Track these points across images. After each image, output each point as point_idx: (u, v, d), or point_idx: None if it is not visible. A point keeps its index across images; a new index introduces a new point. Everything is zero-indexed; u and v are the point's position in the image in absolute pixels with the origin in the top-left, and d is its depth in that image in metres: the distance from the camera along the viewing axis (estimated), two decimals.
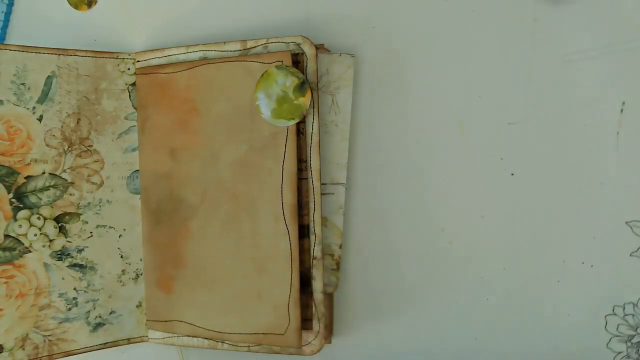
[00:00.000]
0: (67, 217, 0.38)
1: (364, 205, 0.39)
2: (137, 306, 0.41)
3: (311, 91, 0.36)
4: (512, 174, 0.38)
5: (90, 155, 0.39)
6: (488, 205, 0.38)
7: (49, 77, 0.38)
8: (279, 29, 0.40)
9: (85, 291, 0.39)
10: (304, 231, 0.36)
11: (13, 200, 0.37)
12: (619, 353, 0.37)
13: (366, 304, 0.40)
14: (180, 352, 0.42)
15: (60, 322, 0.38)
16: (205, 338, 0.39)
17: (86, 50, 0.39)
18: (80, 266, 0.39)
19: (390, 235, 0.39)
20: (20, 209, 0.37)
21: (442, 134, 0.38)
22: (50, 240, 0.38)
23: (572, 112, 0.37)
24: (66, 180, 0.38)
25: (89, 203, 0.39)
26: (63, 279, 0.38)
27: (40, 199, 0.37)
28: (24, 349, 0.37)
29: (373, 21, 0.39)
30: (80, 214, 0.39)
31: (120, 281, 0.40)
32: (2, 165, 0.36)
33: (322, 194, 0.37)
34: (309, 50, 0.36)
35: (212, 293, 0.38)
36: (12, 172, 0.37)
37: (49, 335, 0.38)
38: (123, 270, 0.40)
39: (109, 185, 0.40)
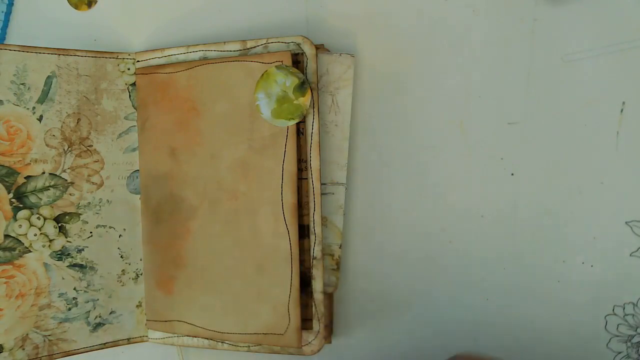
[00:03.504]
0: (67, 217, 0.38)
1: (364, 205, 0.39)
2: (137, 306, 0.41)
3: (311, 91, 0.36)
4: (512, 174, 0.38)
5: (90, 155, 0.39)
6: (488, 205, 0.38)
7: (49, 77, 0.38)
8: (279, 29, 0.40)
9: (85, 291, 0.39)
10: (304, 231, 0.36)
11: (13, 200, 0.37)
12: (619, 353, 0.37)
13: (366, 304, 0.40)
14: (180, 352, 0.42)
15: (60, 322, 0.38)
16: (205, 338, 0.39)
17: (86, 50, 0.39)
18: (80, 266, 0.39)
19: (390, 235, 0.39)
20: (20, 209, 0.37)
21: (442, 134, 0.38)
22: (50, 240, 0.38)
23: (572, 112, 0.37)
24: (66, 180, 0.38)
25: (89, 203, 0.39)
26: (63, 279, 0.38)
27: (40, 199, 0.37)
28: (24, 349, 0.37)
29: (373, 21, 0.39)
30: (80, 214, 0.39)
31: (120, 281, 0.40)
32: (2, 165, 0.36)
33: (322, 194, 0.37)
34: (309, 50, 0.36)
35: (212, 293, 0.38)
36: (12, 172, 0.37)
37: (49, 335, 0.38)
38: (123, 270, 0.40)
39: (109, 185, 0.40)
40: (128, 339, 0.41)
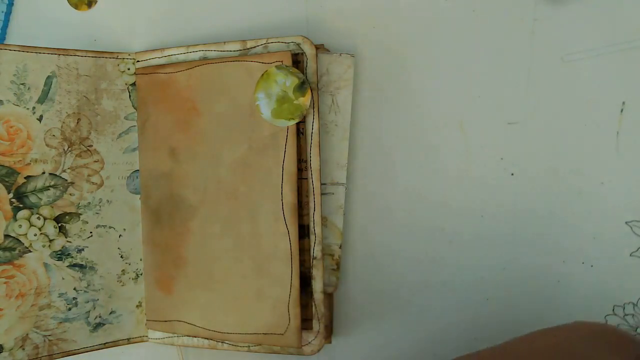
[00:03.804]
0: (67, 217, 0.38)
1: (364, 205, 0.39)
2: (137, 306, 0.41)
3: (311, 91, 0.36)
4: (512, 174, 0.38)
5: (90, 155, 0.39)
6: (488, 205, 0.38)
7: (49, 77, 0.38)
8: (279, 29, 0.40)
9: (85, 291, 0.39)
10: (304, 231, 0.36)
11: (13, 200, 0.37)
12: None
13: (366, 304, 0.40)
14: (179, 352, 0.42)
15: (60, 322, 0.38)
16: (205, 338, 0.39)
17: (86, 50, 0.39)
18: (80, 266, 0.39)
19: (390, 235, 0.39)
20: (20, 209, 0.37)
21: (442, 134, 0.38)
22: (50, 240, 0.38)
23: (572, 112, 0.37)
24: (66, 180, 0.38)
25: (89, 203, 0.39)
26: (63, 279, 0.38)
27: (40, 199, 0.37)
28: (24, 349, 0.37)
29: (373, 21, 0.39)
30: (80, 214, 0.39)
31: (120, 281, 0.40)
32: (2, 165, 0.36)
33: (322, 194, 0.37)
34: (309, 50, 0.36)
35: (212, 293, 0.38)
36: (12, 172, 0.37)
37: (49, 335, 0.38)
38: (123, 270, 0.40)
39: (109, 185, 0.40)
40: (128, 339, 0.41)
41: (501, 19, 0.37)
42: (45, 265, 0.38)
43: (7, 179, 0.37)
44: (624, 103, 0.36)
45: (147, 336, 0.41)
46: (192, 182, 0.39)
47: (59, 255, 0.38)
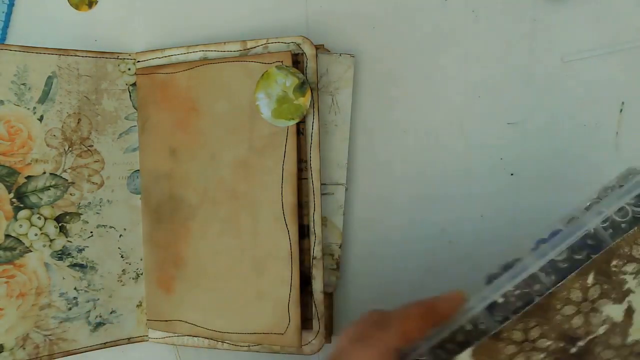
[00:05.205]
0: (67, 217, 0.38)
1: (364, 205, 0.39)
2: (137, 306, 0.41)
3: (311, 91, 0.36)
4: (512, 174, 0.38)
5: (91, 155, 0.39)
6: (488, 205, 0.38)
7: (49, 77, 0.38)
8: (279, 29, 0.40)
9: (85, 291, 0.39)
10: (304, 231, 0.37)
11: (14, 200, 0.37)
12: None
13: (366, 304, 0.40)
14: (176, 350, 0.42)
15: (61, 322, 0.38)
16: (206, 337, 0.39)
17: (87, 51, 0.39)
18: (81, 266, 0.39)
19: (390, 235, 0.39)
20: (20, 208, 0.37)
21: (442, 134, 0.38)
22: (51, 240, 0.38)
23: (572, 112, 0.37)
24: (67, 180, 0.38)
25: (90, 203, 0.39)
26: (63, 278, 0.38)
27: (41, 198, 0.38)
28: (24, 349, 0.37)
29: (373, 21, 0.39)
30: (81, 214, 0.39)
31: (121, 281, 0.40)
32: (3, 165, 0.37)
33: (322, 194, 0.37)
34: (309, 51, 0.36)
35: (213, 293, 0.38)
36: (13, 172, 0.37)
37: (50, 335, 0.38)
38: (123, 270, 0.40)
39: (109, 185, 0.40)
40: (128, 339, 0.41)
41: (501, 19, 0.37)
42: (46, 265, 0.38)
43: (7, 179, 0.37)
44: (623, 103, 0.36)
45: (147, 336, 0.41)
46: (192, 182, 0.39)
47: (59, 255, 0.38)
